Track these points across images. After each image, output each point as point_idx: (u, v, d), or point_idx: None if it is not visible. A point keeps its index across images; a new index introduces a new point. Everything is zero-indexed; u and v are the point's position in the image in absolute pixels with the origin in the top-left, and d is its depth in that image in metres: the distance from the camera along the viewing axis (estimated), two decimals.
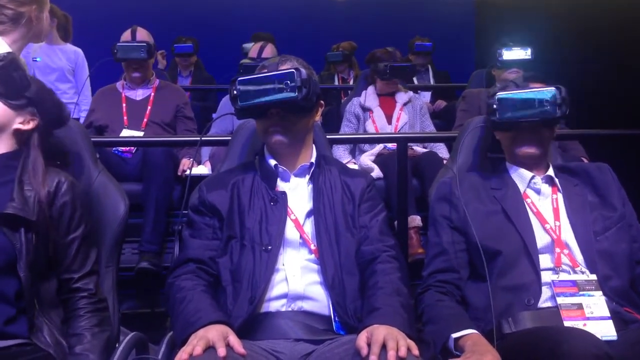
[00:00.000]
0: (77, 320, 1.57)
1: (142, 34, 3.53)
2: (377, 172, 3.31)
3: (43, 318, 1.52)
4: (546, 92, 1.77)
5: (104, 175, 1.83)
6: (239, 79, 1.65)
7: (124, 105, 3.47)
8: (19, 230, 1.51)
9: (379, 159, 3.44)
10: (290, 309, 1.59)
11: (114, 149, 3.26)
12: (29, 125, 1.63)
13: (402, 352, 1.32)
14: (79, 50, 4.43)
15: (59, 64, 4.27)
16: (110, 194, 1.79)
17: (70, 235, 1.60)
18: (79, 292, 1.60)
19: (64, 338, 1.54)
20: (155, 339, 1.66)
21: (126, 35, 3.52)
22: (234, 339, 1.40)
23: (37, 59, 4.23)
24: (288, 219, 1.67)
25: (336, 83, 5.63)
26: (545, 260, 1.70)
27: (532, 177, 1.82)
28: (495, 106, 1.79)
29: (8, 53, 1.64)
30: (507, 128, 1.83)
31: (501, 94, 1.80)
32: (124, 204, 1.78)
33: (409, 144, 3.29)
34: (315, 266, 1.64)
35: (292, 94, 1.62)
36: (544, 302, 1.65)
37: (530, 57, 3.53)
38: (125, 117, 3.42)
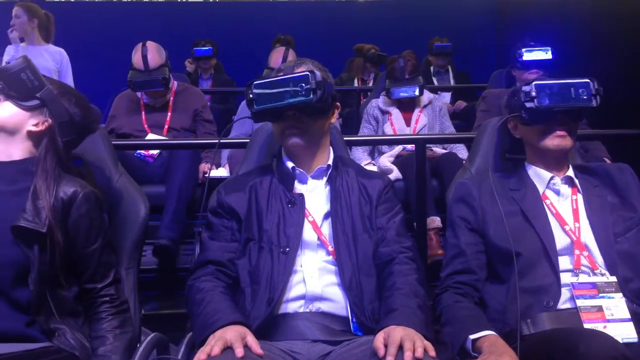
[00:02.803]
0: (99, 323, 1.59)
1: (153, 53, 3.43)
2: (396, 173, 3.31)
3: (63, 323, 1.54)
4: (582, 82, 1.75)
5: (124, 178, 1.85)
6: (255, 82, 1.67)
7: (143, 113, 3.48)
8: (32, 242, 1.51)
9: (398, 160, 3.44)
10: (308, 310, 1.60)
11: (136, 152, 3.28)
12: (43, 127, 1.63)
13: (419, 353, 1.33)
14: (63, 51, 4.38)
15: (44, 64, 4.18)
16: (131, 197, 1.81)
17: (90, 247, 1.61)
18: (101, 297, 1.62)
19: (87, 341, 1.56)
20: (176, 340, 1.68)
21: (137, 57, 3.43)
22: (251, 340, 1.41)
23: None
24: (306, 220, 1.68)
25: (355, 85, 5.63)
26: (564, 262, 1.69)
27: (552, 178, 1.80)
28: (533, 93, 1.75)
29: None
30: (540, 118, 1.78)
31: (539, 82, 1.77)
32: (144, 206, 1.80)
33: (428, 145, 3.29)
34: (333, 267, 1.65)
35: (306, 97, 1.63)
36: (563, 304, 1.64)
37: (550, 58, 3.50)
38: (145, 125, 3.43)
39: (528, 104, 1.76)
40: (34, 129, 1.62)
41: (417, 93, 3.64)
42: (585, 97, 1.74)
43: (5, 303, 1.50)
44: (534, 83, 1.77)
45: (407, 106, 3.73)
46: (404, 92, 3.64)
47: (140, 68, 3.39)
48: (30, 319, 1.51)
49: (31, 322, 1.51)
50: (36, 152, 1.63)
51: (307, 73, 1.65)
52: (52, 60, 4.28)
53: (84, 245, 1.60)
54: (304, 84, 1.63)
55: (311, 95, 1.63)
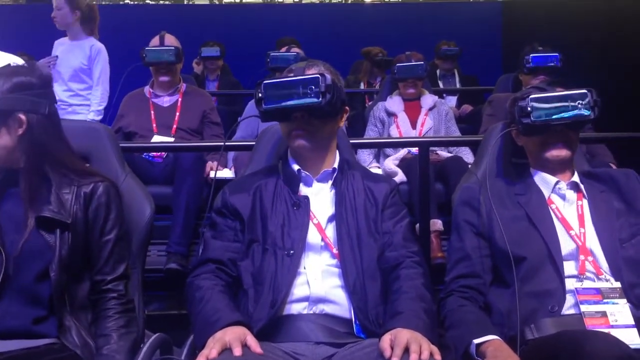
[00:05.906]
0: (105, 321, 1.59)
1: (170, 40, 3.55)
2: (400, 176, 3.31)
3: (72, 319, 1.55)
4: (580, 93, 1.76)
5: (130, 179, 1.86)
6: (265, 82, 1.67)
7: (152, 112, 3.48)
8: (54, 232, 1.55)
9: (403, 163, 3.44)
10: (311, 312, 1.60)
11: (144, 154, 3.27)
12: (22, 130, 1.60)
13: (425, 355, 1.34)
14: (96, 44, 3.93)
15: (72, 62, 3.90)
16: (136, 197, 1.81)
17: (104, 237, 1.63)
18: (109, 292, 1.63)
19: (91, 339, 1.56)
20: (181, 341, 1.68)
21: (154, 41, 3.55)
22: (251, 339, 1.42)
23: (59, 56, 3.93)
24: (310, 223, 1.68)
25: (362, 87, 5.63)
26: (569, 267, 1.69)
27: (557, 183, 1.80)
28: (529, 109, 1.77)
29: None
30: (538, 131, 1.80)
31: (535, 96, 1.78)
32: (149, 207, 1.81)
33: (433, 148, 3.28)
34: (337, 270, 1.64)
35: (315, 99, 1.63)
36: (568, 310, 1.64)
37: (558, 64, 3.49)
38: (154, 125, 3.43)
39: (524, 120, 1.78)
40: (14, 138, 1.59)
41: (421, 72, 3.78)
42: (582, 109, 1.75)
43: (20, 300, 1.52)
44: (529, 97, 1.78)
45: (413, 109, 3.74)
46: (409, 69, 3.77)
47: (156, 44, 3.51)
48: (43, 314, 1.53)
49: (40, 318, 1.52)
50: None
51: (318, 75, 1.64)
52: (81, 56, 3.89)
53: (100, 234, 1.63)
54: (313, 87, 1.63)
55: (320, 98, 1.63)
